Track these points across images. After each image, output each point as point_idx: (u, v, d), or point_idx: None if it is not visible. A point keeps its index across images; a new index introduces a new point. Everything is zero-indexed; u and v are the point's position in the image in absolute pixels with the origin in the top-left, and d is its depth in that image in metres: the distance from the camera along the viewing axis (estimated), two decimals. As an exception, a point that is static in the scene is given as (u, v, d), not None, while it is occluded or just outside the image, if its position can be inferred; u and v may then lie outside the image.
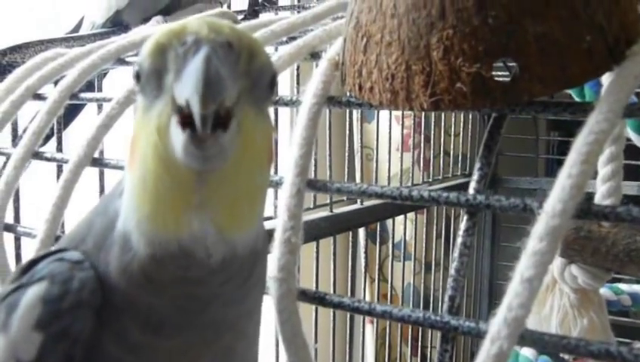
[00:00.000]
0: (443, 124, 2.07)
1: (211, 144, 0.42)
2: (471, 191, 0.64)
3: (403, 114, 1.87)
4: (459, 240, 0.62)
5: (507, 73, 0.63)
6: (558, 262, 1.10)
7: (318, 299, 0.64)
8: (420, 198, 0.64)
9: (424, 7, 0.62)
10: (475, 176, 0.64)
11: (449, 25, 0.61)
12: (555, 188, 0.58)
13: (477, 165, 0.65)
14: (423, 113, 1.90)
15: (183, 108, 0.42)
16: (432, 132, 1.92)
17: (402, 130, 1.92)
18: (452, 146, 2.05)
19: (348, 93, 0.73)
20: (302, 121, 0.71)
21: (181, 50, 0.44)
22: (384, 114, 1.86)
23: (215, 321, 0.52)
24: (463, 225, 0.62)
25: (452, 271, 0.61)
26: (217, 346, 0.53)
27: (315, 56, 0.83)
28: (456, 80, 0.61)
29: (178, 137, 0.42)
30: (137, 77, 0.47)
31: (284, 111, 1.54)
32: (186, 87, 0.42)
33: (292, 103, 0.77)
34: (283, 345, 0.64)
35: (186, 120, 0.42)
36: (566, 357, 1.19)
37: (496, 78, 0.61)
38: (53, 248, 0.54)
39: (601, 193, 1.02)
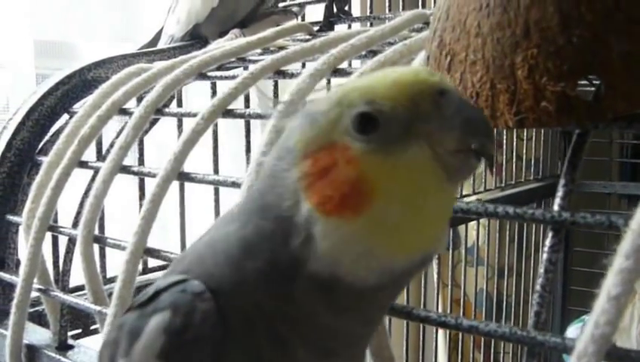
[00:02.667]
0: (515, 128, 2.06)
1: None
2: (556, 207, 0.64)
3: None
4: (544, 256, 0.62)
5: (592, 89, 0.63)
6: (637, 271, 1.09)
7: (405, 313, 0.65)
8: (506, 215, 0.65)
9: (508, 26, 0.63)
10: (560, 193, 0.65)
11: (533, 44, 0.62)
12: (642, 206, 0.58)
13: (561, 182, 0.65)
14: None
15: (450, 149, 0.48)
16: (504, 136, 1.91)
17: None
18: (524, 150, 2.04)
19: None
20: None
21: (439, 99, 0.48)
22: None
23: (361, 337, 0.56)
24: (548, 242, 0.63)
25: (538, 287, 0.62)
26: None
27: (395, 71, 0.84)
28: (541, 98, 0.62)
29: (451, 159, 0.48)
30: (370, 120, 0.47)
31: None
32: (474, 133, 0.49)
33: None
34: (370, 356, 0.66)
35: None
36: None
37: (581, 97, 0.61)
38: (174, 276, 0.54)
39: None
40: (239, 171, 1.07)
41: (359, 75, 0.82)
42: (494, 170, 1.95)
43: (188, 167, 0.89)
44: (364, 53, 0.94)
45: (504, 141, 1.91)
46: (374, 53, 0.90)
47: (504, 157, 1.91)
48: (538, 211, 0.64)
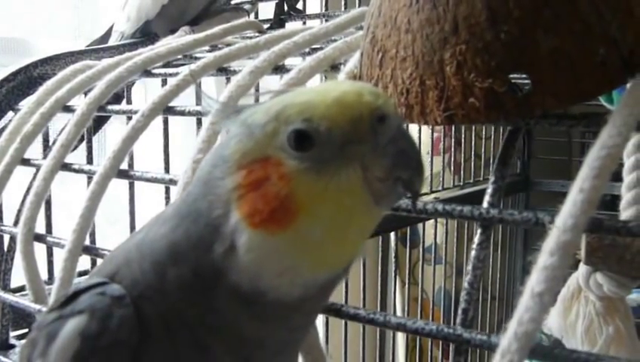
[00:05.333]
0: (474, 127, 2.06)
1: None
2: (485, 204, 0.64)
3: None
4: (472, 253, 0.62)
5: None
6: (583, 269, 1.10)
7: (334, 311, 0.65)
8: (435, 212, 0.64)
9: (437, 22, 0.63)
10: (489, 190, 0.65)
11: (462, 40, 0.62)
12: (567, 203, 0.58)
13: (491, 179, 0.65)
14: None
15: (380, 176, 0.48)
16: (463, 135, 1.91)
17: (432, 134, 1.92)
18: (483, 149, 2.05)
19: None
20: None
21: (377, 125, 0.48)
22: (414, 118, 1.85)
23: (288, 343, 0.56)
24: (476, 239, 0.63)
25: (465, 285, 0.62)
26: None
27: (335, 68, 0.84)
28: (470, 95, 0.62)
29: (380, 186, 0.49)
30: (306, 138, 0.47)
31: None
32: (406, 166, 0.49)
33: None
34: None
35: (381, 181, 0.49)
36: None
37: (509, 93, 0.61)
38: (95, 278, 0.54)
39: (627, 200, 1.02)
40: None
41: (299, 75, 0.82)
42: (452, 168, 1.96)
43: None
44: (307, 50, 0.93)
45: (463, 140, 1.92)
46: (317, 50, 0.90)
47: (463, 156, 1.92)
48: (467, 208, 0.64)
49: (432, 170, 1.87)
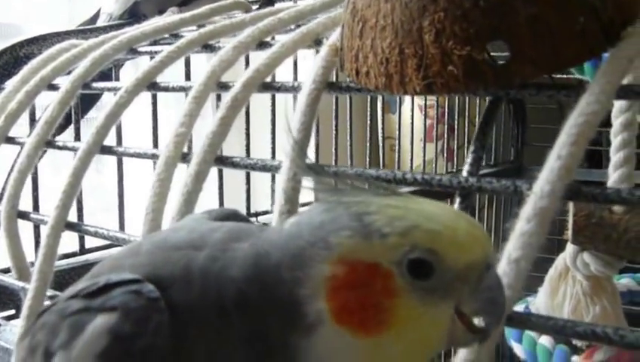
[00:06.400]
0: (467, 113, 2.06)
1: None
2: (464, 173, 0.64)
3: (426, 104, 1.87)
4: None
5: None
6: (570, 249, 1.09)
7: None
8: (414, 181, 0.64)
9: (417, -10, 0.62)
10: (469, 160, 0.64)
11: (440, 8, 0.62)
12: (544, 170, 0.58)
13: (471, 148, 0.65)
14: (447, 103, 1.90)
15: (466, 314, 0.50)
16: (457, 122, 1.90)
17: (425, 121, 1.92)
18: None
19: (347, 79, 0.73)
20: (300, 106, 0.72)
21: (484, 273, 0.49)
22: (407, 104, 1.85)
23: None
24: (455, 208, 0.63)
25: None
26: None
27: (318, 43, 0.83)
28: (448, 63, 0.61)
29: (461, 334, 0.50)
30: (425, 268, 0.48)
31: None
32: (490, 315, 0.50)
33: (293, 89, 0.78)
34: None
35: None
36: (580, 344, 1.18)
37: (488, 61, 0.61)
38: (124, 272, 0.52)
39: (613, 180, 1.01)
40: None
41: (282, 50, 0.81)
42: (445, 155, 1.96)
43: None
44: (292, 27, 0.93)
45: (456, 127, 1.91)
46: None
47: (456, 142, 1.91)
48: (445, 177, 0.63)
49: (424, 156, 1.86)
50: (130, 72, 1.38)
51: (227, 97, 0.78)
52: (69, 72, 1.01)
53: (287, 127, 0.55)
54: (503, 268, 0.56)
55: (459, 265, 0.48)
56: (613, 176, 1.01)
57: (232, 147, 1.06)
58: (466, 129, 2.03)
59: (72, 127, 1.11)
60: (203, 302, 0.50)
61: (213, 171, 1.05)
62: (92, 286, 0.52)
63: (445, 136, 1.89)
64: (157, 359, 0.49)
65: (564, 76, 1.08)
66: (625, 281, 1.51)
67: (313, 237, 0.49)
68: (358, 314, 0.47)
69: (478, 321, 0.51)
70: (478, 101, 1.91)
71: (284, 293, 0.48)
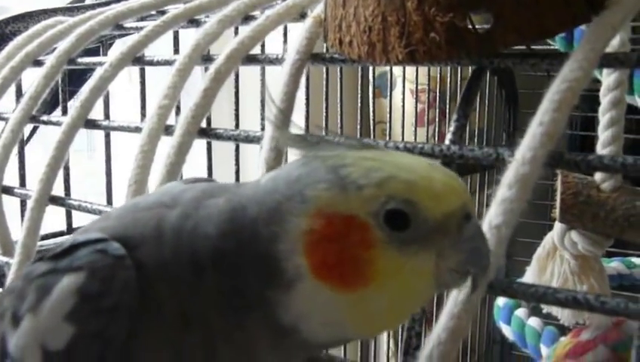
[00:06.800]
0: (459, 99, 2.06)
1: None
2: (446, 141, 0.63)
3: (417, 88, 1.85)
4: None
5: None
6: (558, 228, 1.09)
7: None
8: (397, 150, 0.64)
9: (399, -43, 0.62)
10: (452, 128, 0.64)
11: (423, -25, 0.61)
12: (526, 136, 0.58)
13: (454, 117, 0.65)
14: (439, 87, 1.89)
15: (452, 268, 0.50)
16: (448, 107, 1.90)
17: (417, 105, 1.91)
18: (468, 121, 2.04)
19: (330, 49, 0.73)
20: (284, 76, 0.72)
21: (463, 222, 0.49)
22: (399, 88, 1.84)
23: None
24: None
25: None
26: None
27: (303, 16, 0.83)
28: (431, 30, 0.61)
29: (448, 277, 0.50)
30: (403, 219, 0.48)
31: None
32: (476, 265, 0.50)
33: (278, 61, 0.77)
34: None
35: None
36: (567, 324, 1.18)
37: (470, 28, 0.60)
38: (96, 233, 0.52)
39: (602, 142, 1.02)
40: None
41: (266, 22, 0.81)
42: (437, 140, 1.95)
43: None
44: (279, 1, 0.92)
45: (448, 111, 1.91)
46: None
47: (448, 127, 1.90)
48: (428, 145, 0.63)
49: (416, 141, 1.86)
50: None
51: (211, 69, 0.77)
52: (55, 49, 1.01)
53: (269, 97, 0.54)
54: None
55: (436, 215, 0.48)
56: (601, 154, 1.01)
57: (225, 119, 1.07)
58: (458, 114, 2.02)
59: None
60: (176, 259, 0.50)
61: (202, 146, 1.05)
62: (58, 248, 0.52)
63: (437, 120, 1.88)
64: (125, 316, 0.49)
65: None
66: (614, 265, 1.51)
67: (290, 191, 0.49)
68: (337, 268, 0.47)
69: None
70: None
71: (262, 249, 0.48)
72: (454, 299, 0.55)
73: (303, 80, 0.74)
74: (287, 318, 0.49)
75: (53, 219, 1.02)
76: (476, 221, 0.51)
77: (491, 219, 0.56)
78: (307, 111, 1.03)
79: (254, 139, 0.72)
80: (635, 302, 0.53)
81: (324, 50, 0.79)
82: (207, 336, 0.50)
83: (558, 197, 1.02)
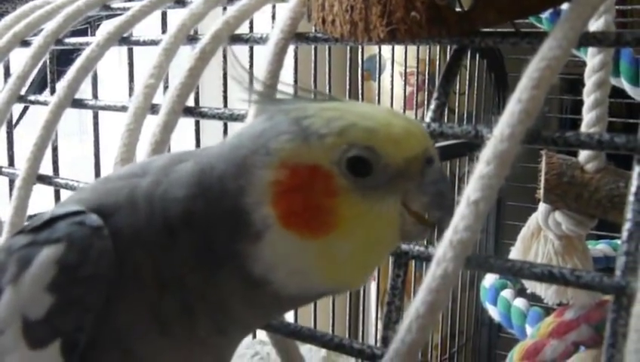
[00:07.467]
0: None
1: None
2: (427, 119, 0.64)
3: (406, 71, 1.86)
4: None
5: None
6: (542, 208, 1.10)
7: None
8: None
9: (381, -64, 0.62)
10: (432, 106, 0.65)
11: (404, -47, 0.62)
12: (505, 114, 0.58)
13: (435, 95, 0.65)
14: (427, 70, 1.90)
15: (417, 211, 0.52)
16: (438, 90, 1.90)
17: (406, 88, 1.92)
18: (457, 104, 2.04)
19: (314, 29, 0.73)
20: (268, 55, 0.72)
21: (425, 166, 0.51)
22: (387, 71, 1.85)
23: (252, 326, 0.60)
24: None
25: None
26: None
27: (290, -4, 0.83)
28: (411, 9, 0.62)
29: (412, 227, 0.52)
30: (364, 165, 0.49)
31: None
32: (439, 207, 0.53)
33: (262, 41, 0.78)
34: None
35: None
36: (551, 304, 1.20)
37: (451, 7, 0.61)
38: (74, 206, 0.53)
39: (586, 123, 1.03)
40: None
41: (251, 2, 0.81)
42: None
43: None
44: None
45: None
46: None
47: (436, 110, 1.91)
48: (408, 123, 0.64)
49: (405, 124, 1.87)
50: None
51: (196, 49, 0.78)
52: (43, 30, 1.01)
53: (240, 68, 0.55)
54: (462, 210, 0.56)
55: (397, 160, 0.50)
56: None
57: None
58: (447, 97, 2.03)
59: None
60: (149, 225, 0.51)
61: (191, 125, 1.05)
62: (37, 221, 0.53)
63: (425, 103, 1.89)
64: (103, 283, 0.50)
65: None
66: (601, 247, 1.52)
67: (254, 145, 0.50)
68: (303, 216, 0.49)
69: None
70: (459, 70, 1.91)
71: (230, 204, 0.50)
72: (432, 273, 0.56)
73: (291, 62, 0.75)
74: (257, 270, 0.50)
75: (43, 200, 1.02)
76: (439, 165, 0.53)
77: (469, 194, 0.56)
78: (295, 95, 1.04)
79: (239, 118, 0.73)
80: (610, 276, 0.54)
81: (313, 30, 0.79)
82: (183, 297, 0.51)
83: (542, 178, 1.03)
